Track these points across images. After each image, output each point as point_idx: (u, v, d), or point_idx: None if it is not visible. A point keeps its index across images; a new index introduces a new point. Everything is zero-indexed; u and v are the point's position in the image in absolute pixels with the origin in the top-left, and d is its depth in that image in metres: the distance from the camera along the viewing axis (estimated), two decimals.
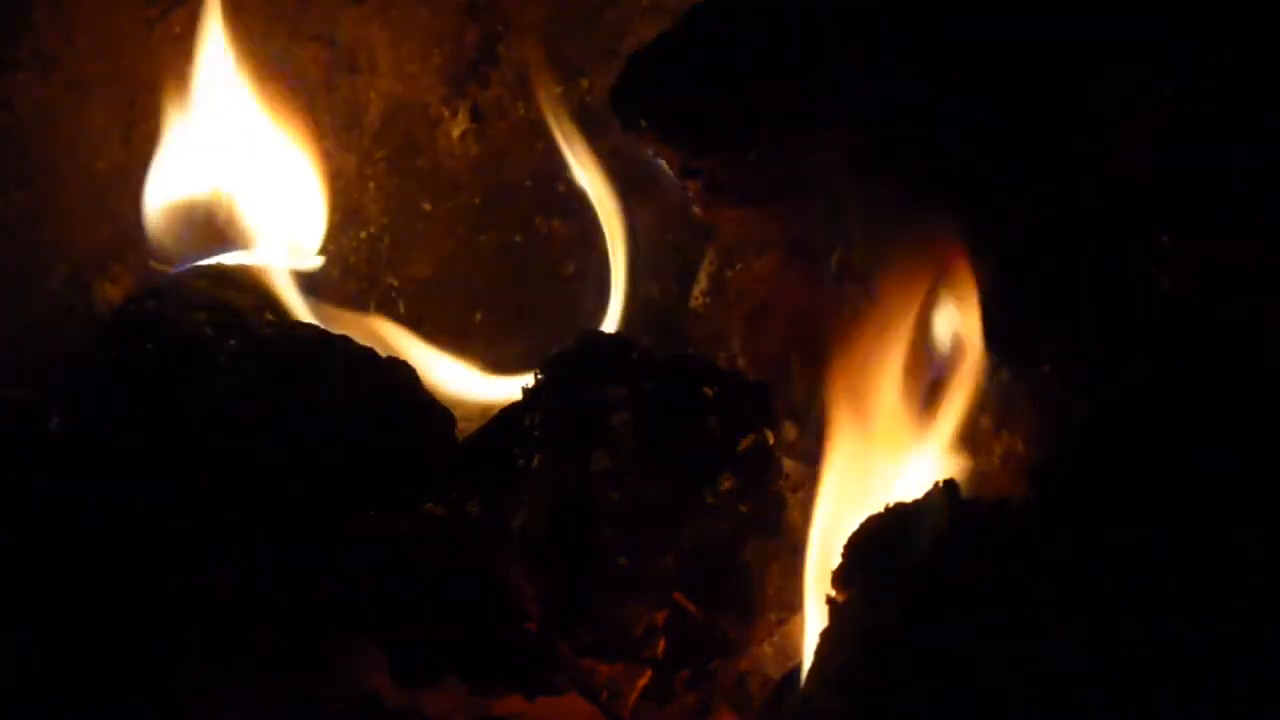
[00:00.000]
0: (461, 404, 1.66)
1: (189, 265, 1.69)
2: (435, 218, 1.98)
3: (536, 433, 1.47)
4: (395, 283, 1.98)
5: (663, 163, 1.68)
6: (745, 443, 1.45)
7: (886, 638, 1.26)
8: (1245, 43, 1.45)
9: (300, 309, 1.70)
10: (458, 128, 1.98)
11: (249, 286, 1.68)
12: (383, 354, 1.56)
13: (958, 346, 1.47)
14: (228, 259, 1.71)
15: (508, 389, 1.64)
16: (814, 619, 1.43)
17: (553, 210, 1.96)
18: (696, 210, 1.68)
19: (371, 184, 1.99)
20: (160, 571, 1.42)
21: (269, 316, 1.63)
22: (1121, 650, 1.20)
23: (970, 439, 1.46)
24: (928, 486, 1.38)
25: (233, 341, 1.53)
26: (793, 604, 1.47)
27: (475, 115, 1.98)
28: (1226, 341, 1.47)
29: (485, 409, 1.65)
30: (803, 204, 1.62)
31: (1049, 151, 1.49)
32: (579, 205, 1.86)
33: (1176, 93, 1.46)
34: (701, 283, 1.81)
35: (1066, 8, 1.49)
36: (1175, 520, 1.24)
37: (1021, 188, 1.49)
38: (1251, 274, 1.45)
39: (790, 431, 1.58)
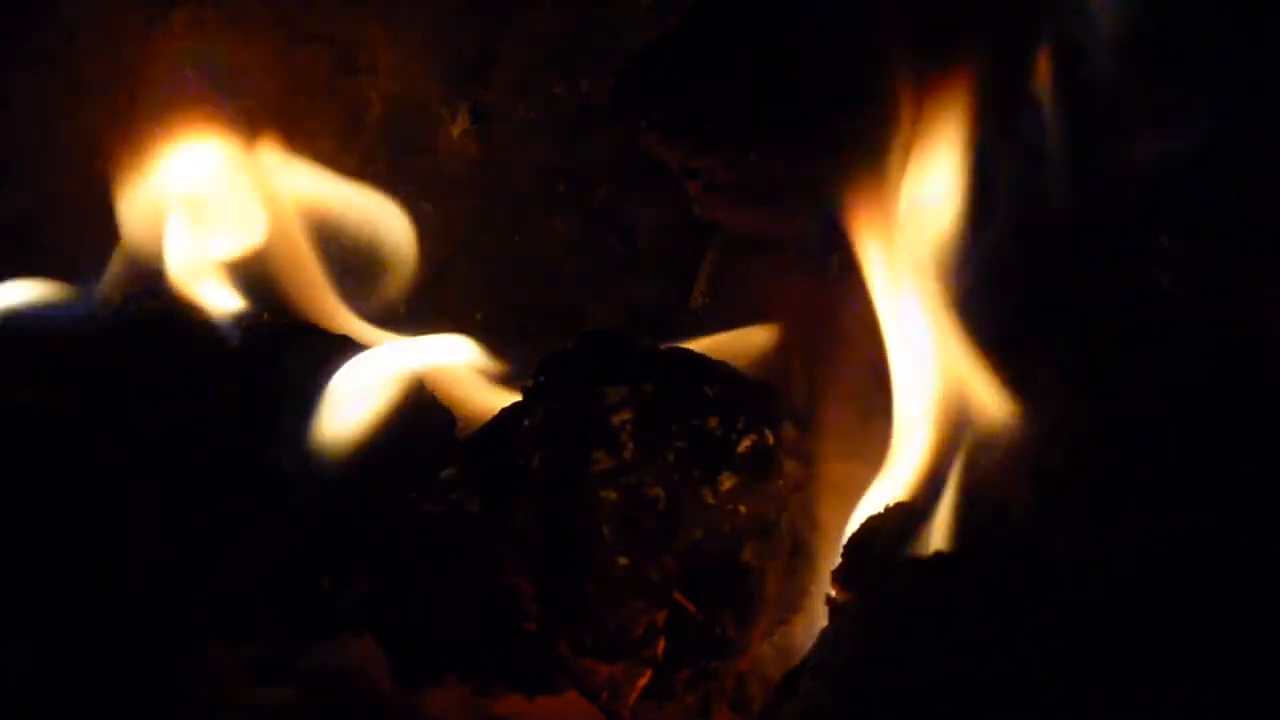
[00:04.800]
0: (461, 404, 1.66)
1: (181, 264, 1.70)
2: (435, 218, 1.98)
3: (536, 433, 1.47)
4: None
5: (663, 162, 1.68)
6: (745, 443, 1.45)
7: (886, 638, 1.26)
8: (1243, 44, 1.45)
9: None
10: (458, 128, 1.98)
11: (249, 286, 1.68)
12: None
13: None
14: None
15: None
16: (814, 619, 1.43)
17: (553, 210, 1.96)
18: (696, 210, 1.69)
19: (371, 184, 1.98)
20: (160, 571, 1.42)
21: (269, 316, 1.63)
22: (1122, 650, 1.20)
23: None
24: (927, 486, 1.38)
25: (233, 342, 1.53)
26: (793, 604, 1.47)
27: (475, 115, 1.98)
28: (1226, 341, 1.47)
29: (485, 409, 1.65)
30: (803, 204, 1.62)
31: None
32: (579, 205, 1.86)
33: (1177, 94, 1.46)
34: (701, 283, 1.81)
35: None
36: (1176, 520, 1.24)
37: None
38: (1251, 274, 1.45)
39: (790, 431, 1.58)
